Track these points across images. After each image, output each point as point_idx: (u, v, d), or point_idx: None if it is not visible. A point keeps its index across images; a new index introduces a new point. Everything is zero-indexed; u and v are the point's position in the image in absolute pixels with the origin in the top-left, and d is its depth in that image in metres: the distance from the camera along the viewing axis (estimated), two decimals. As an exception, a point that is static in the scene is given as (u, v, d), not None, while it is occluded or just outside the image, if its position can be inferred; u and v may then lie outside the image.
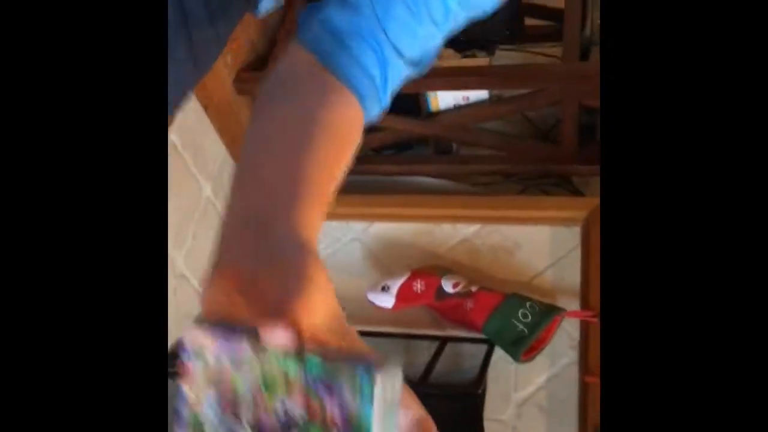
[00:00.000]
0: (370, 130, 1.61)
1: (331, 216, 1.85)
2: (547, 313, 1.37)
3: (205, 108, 1.49)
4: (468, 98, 1.55)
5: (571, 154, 1.55)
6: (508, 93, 1.60)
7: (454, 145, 1.72)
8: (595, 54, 1.50)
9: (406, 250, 1.61)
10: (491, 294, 1.42)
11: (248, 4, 0.70)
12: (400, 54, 0.51)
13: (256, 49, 1.67)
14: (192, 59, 0.64)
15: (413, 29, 0.51)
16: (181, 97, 0.68)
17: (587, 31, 1.49)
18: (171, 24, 0.58)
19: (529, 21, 1.82)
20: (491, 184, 1.70)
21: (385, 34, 0.50)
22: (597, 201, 1.49)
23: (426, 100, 1.56)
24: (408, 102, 1.57)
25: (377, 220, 1.65)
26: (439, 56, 1.77)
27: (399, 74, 0.53)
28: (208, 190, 1.53)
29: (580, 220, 1.51)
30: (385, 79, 0.52)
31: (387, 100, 0.55)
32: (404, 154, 1.76)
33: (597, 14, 1.53)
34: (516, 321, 1.36)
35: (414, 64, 0.55)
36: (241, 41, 1.62)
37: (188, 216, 1.46)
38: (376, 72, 0.50)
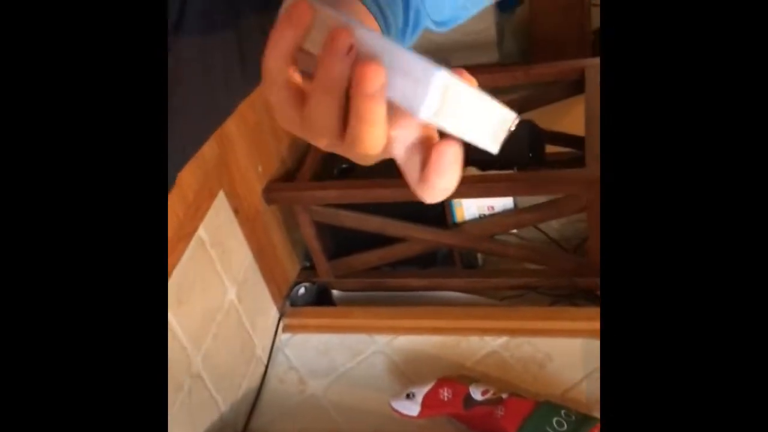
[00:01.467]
0: (394, 240, 1.60)
1: (354, 328, 1.80)
2: (585, 422, 1.28)
3: (235, 211, 1.51)
4: (493, 207, 1.57)
5: (599, 267, 1.53)
6: (533, 201, 1.62)
7: (480, 257, 1.71)
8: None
9: (432, 362, 1.55)
10: (523, 401, 1.33)
11: None
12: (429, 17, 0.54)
13: (286, 163, 1.73)
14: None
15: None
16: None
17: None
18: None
19: (550, 148, 1.89)
20: (518, 297, 1.67)
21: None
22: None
23: (451, 210, 1.58)
24: (433, 212, 1.59)
25: (401, 333, 1.61)
26: (463, 172, 1.81)
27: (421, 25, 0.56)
28: (232, 293, 1.51)
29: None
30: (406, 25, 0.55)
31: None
32: (429, 270, 1.75)
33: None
34: (551, 429, 1.27)
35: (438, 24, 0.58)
36: (272, 154, 1.68)
37: (210, 316, 1.43)
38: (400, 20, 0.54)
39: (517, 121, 0.36)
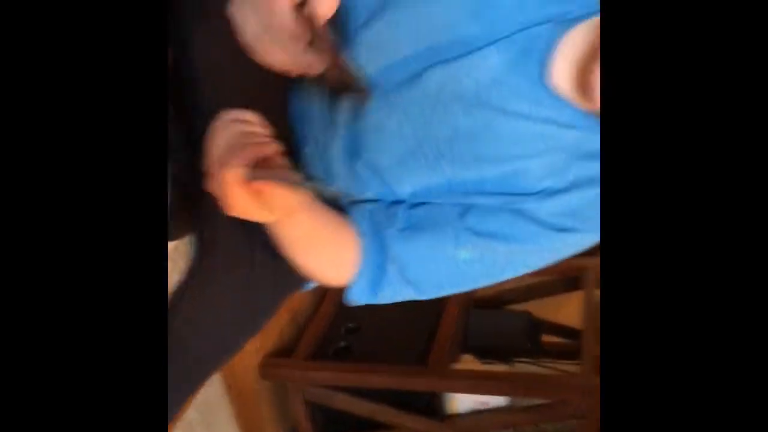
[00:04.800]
0: (382, 426, 1.56)
1: None
2: None
3: (228, 387, 1.50)
4: (487, 404, 1.55)
5: (593, 474, 1.49)
6: (527, 402, 1.60)
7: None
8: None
9: None
10: None
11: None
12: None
13: (284, 337, 1.73)
14: None
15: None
16: None
17: (605, 348, 1.55)
18: None
19: (547, 338, 1.90)
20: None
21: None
22: None
23: (443, 402, 1.57)
24: (424, 401, 1.57)
25: None
26: (457, 359, 1.82)
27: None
28: (213, 473, 1.46)
29: None
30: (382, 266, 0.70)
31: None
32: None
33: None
34: None
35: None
36: (271, 328, 1.69)
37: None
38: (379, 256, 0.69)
39: None
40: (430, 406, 1.58)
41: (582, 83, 0.64)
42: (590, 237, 0.71)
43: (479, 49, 0.67)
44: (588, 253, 1.94)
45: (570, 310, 1.79)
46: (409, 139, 0.70)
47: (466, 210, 0.71)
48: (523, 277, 1.93)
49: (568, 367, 1.76)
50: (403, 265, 0.72)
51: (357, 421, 1.62)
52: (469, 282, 0.73)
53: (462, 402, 1.57)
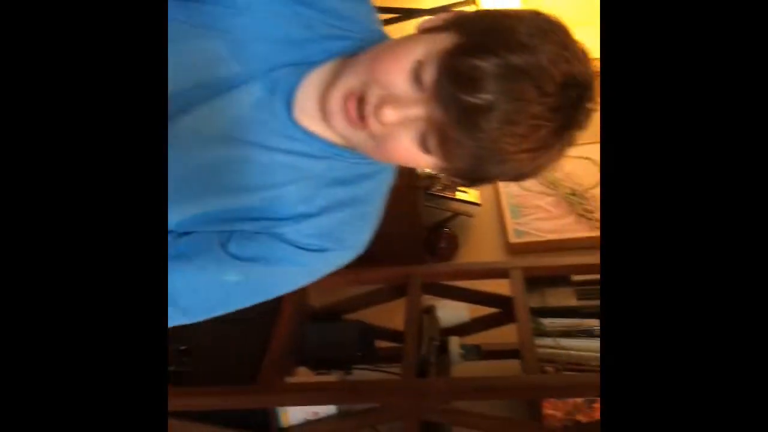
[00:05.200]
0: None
1: None
2: None
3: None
4: (317, 413, 1.60)
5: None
6: (358, 408, 1.67)
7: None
8: (432, 372, 1.63)
9: None
10: None
11: None
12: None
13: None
14: None
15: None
16: None
17: (423, 350, 1.65)
18: None
19: (382, 343, 1.98)
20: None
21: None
22: None
23: (276, 416, 1.60)
24: (258, 418, 1.60)
25: None
26: (292, 373, 1.86)
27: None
28: None
29: None
30: None
31: None
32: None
33: (431, 334, 1.70)
34: None
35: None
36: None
37: None
38: None
39: None
40: (264, 422, 1.62)
41: (323, 113, 0.70)
42: (346, 254, 0.77)
43: (237, 87, 0.72)
44: (413, 261, 2.05)
45: (400, 317, 1.88)
46: (175, 171, 0.73)
47: (228, 237, 0.75)
48: (356, 288, 2.01)
49: (399, 369, 1.85)
50: (175, 294, 0.75)
51: (192, 443, 1.63)
52: (240, 302, 0.77)
53: (294, 414, 1.61)
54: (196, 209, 0.75)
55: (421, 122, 0.63)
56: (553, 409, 1.50)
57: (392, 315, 1.96)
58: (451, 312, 1.89)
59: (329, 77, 0.71)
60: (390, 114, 0.63)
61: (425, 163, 0.66)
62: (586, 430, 1.50)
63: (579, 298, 1.78)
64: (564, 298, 1.77)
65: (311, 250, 0.75)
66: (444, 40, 0.62)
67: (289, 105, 0.73)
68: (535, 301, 1.76)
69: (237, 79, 0.73)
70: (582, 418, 1.50)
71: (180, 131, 0.73)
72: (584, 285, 1.82)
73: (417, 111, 0.63)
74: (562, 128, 0.61)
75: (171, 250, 0.76)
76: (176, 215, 0.76)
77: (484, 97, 0.58)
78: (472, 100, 0.58)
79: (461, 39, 0.61)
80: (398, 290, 1.90)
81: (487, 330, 1.91)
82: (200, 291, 0.76)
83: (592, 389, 1.47)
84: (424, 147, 0.64)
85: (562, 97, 0.59)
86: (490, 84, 0.58)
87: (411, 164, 0.68)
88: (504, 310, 1.81)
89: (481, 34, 0.61)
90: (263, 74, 0.73)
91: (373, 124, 0.64)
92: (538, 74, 0.58)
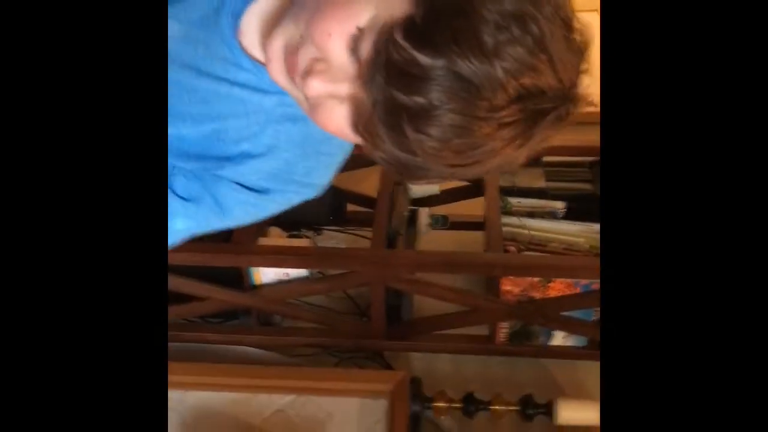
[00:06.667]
0: (194, 298, 1.65)
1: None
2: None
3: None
4: (288, 274, 1.68)
5: (380, 331, 1.70)
6: (328, 272, 1.75)
7: (277, 317, 1.82)
8: (400, 242, 1.70)
9: (222, 420, 1.64)
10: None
11: None
12: None
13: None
14: None
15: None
16: None
17: (393, 222, 1.70)
18: None
19: (352, 207, 2.03)
20: (312, 356, 1.80)
21: None
22: (402, 374, 1.62)
23: (249, 275, 1.68)
24: (232, 275, 1.67)
25: (192, 389, 1.68)
26: (265, 233, 1.90)
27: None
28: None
29: (387, 393, 1.62)
30: None
31: None
32: (228, 323, 1.83)
33: (401, 206, 1.76)
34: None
35: None
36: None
37: None
38: None
39: None
40: (237, 279, 1.69)
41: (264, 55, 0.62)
42: (299, 194, 0.71)
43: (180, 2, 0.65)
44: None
45: (371, 182, 1.92)
46: None
47: (170, 172, 0.68)
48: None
49: (369, 233, 1.92)
50: None
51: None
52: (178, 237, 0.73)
53: (266, 274, 1.68)
54: None
55: (351, 102, 0.55)
56: (511, 286, 1.59)
57: (364, 180, 2.00)
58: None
59: (274, 12, 0.62)
60: (316, 86, 0.54)
61: (359, 142, 0.57)
62: (539, 306, 1.61)
63: (548, 179, 1.83)
64: (533, 178, 1.81)
65: (257, 190, 0.69)
66: (399, 6, 0.51)
67: (234, 30, 0.64)
68: (505, 180, 1.80)
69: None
70: (536, 294, 1.60)
71: None
72: (554, 166, 1.86)
73: (346, 89, 0.54)
74: (509, 142, 0.51)
75: None
76: None
77: (418, 101, 0.48)
78: (403, 99, 0.49)
79: (416, 11, 0.49)
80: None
81: (456, 201, 1.97)
82: None
83: (550, 270, 1.57)
84: (356, 128, 0.55)
85: (515, 111, 0.49)
86: (428, 88, 0.48)
87: (345, 139, 0.60)
88: (474, 183, 1.86)
89: (439, 15, 0.48)
90: None
91: (301, 87, 0.56)
92: (488, 87, 0.48)
